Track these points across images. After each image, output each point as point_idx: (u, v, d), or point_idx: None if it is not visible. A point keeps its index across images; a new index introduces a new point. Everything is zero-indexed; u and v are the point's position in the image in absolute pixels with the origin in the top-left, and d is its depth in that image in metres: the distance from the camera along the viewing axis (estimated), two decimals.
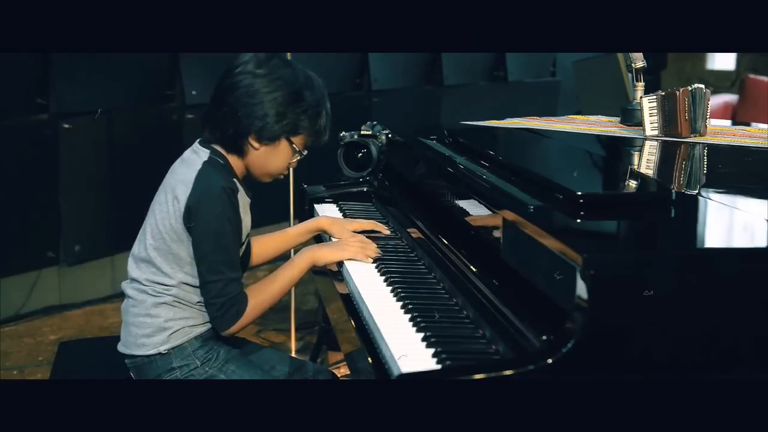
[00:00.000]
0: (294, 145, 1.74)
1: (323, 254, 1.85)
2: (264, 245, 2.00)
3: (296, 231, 2.07)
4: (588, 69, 4.30)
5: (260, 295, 1.73)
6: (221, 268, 1.65)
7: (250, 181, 1.80)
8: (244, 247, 1.78)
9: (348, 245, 1.87)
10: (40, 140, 3.51)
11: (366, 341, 1.48)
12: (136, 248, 1.74)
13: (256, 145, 1.71)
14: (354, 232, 2.00)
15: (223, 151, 1.73)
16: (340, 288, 1.77)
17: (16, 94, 3.44)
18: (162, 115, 3.95)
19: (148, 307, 1.70)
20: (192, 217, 1.66)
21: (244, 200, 1.74)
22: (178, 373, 1.71)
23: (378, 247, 1.89)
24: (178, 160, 1.76)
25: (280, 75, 1.70)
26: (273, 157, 1.74)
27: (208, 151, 1.73)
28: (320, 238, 2.09)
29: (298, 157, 1.78)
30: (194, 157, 1.72)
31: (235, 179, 1.72)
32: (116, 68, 3.62)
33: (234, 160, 1.74)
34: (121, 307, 1.77)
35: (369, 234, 2.01)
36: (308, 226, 2.06)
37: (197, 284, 1.69)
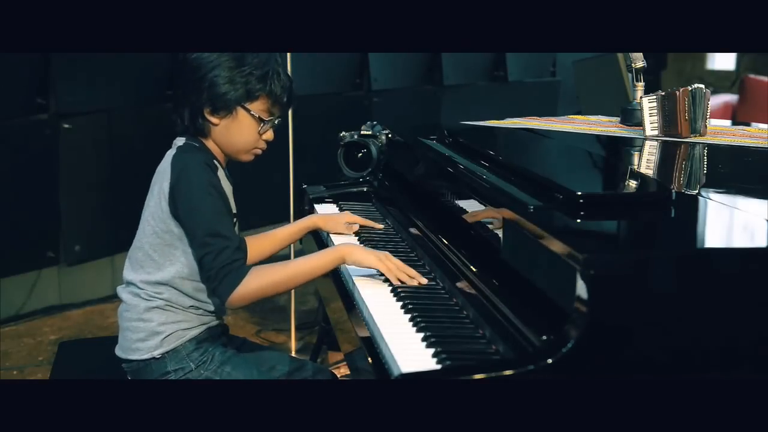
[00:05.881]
0: (253, 113, 1.71)
1: (357, 253, 1.71)
2: (257, 245, 1.96)
3: (289, 231, 2.04)
4: (588, 69, 4.30)
5: (267, 271, 1.64)
6: (210, 240, 1.62)
7: (238, 166, 1.80)
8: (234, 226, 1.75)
9: (387, 260, 1.71)
10: (40, 140, 3.51)
11: (366, 341, 1.48)
12: (132, 249, 1.75)
13: (213, 120, 1.72)
14: (348, 223, 2.03)
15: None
16: (340, 287, 1.77)
17: (16, 94, 3.44)
18: (162, 115, 3.92)
19: (141, 312, 1.71)
20: (175, 197, 1.66)
21: (226, 185, 1.74)
22: (173, 376, 1.71)
23: (380, 251, 1.79)
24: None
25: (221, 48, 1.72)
26: (236, 130, 1.72)
27: (183, 139, 1.76)
28: (318, 236, 2.09)
29: (267, 126, 1.74)
30: (172, 150, 1.76)
31: (215, 161, 1.73)
32: (116, 68, 3.62)
33: (210, 145, 1.75)
34: (118, 311, 1.78)
35: (367, 231, 2.03)
36: (301, 224, 2.06)
37: (192, 278, 1.70)
